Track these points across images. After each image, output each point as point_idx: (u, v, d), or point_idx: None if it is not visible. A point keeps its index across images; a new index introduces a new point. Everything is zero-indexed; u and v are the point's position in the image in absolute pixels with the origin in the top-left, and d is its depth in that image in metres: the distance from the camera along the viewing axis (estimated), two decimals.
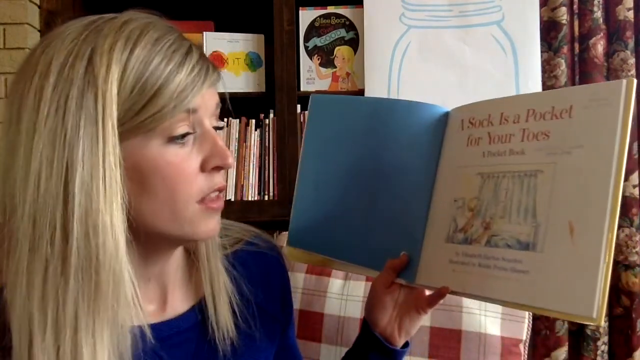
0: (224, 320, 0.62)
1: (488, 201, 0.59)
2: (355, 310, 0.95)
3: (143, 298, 0.57)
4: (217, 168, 0.54)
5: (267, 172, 1.62)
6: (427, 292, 0.68)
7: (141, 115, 0.47)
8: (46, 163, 0.45)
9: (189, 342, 0.62)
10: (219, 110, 0.57)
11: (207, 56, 0.56)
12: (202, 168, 0.53)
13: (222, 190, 0.55)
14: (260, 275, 0.70)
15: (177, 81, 0.48)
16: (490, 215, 0.58)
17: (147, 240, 0.52)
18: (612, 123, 0.50)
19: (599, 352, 1.61)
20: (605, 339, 1.62)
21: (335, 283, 0.99)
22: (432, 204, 0.64)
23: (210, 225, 0.55)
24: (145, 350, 0.55)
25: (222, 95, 0.58)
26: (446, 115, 0.66)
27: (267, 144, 1.62)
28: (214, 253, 0.63)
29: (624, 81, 0.51)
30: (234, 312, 0.63)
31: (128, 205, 0.48)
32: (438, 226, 0.63)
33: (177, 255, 0.63)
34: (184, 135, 0.51)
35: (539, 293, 0.52)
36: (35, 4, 1.63)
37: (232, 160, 0.53)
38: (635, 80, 0.51)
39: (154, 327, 0.58)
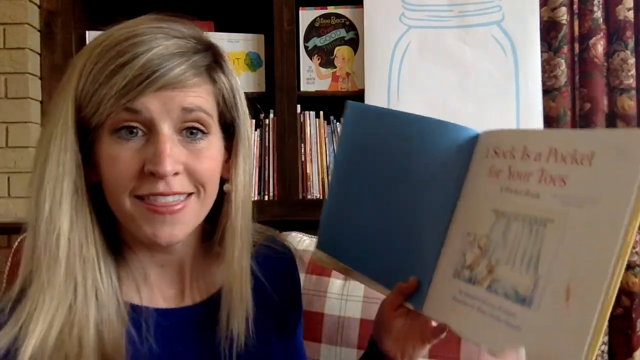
0: (238, 316, 0.62)
1: (497, 242, 0.57)
2: (355, 310, 0.95)
3: (161, 282, 0.63)
4: (154, 174, 0.53)
5: (267, 172, 1.62)
6: (433, 323, 0.65)
7: (90, 108, 0.53)
8: (37, 146, 0.55)
9: (198, 332, 0.63)
10: (196, 114, 0.56)
11: None
12: (143, 170, 0.53)
13: (167, 195, 0.54)
14: (274, 275, 0.70)
15: (118, 77, 0.52)
16: (496, 258, 0.56)
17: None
18: (630, 182, 0.46)
19: (599, 352, 1.61)
20: (605, 339, 1.62)
21: (335, 283, 0.99)
22: (448, 232, 0.62)
23: (155, 230, 0.54)
24: (156, 334, 0.58)
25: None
26: (476, 138, 0.62)
27: (267, 144, 1.62)
28: (240, 249, 0.62)
29: None
30: (248, 309, 0.64)
31: (96, 181, 0.56)
32: (450, 257, 0.61)
33: (189, 247, 0.64)
34: (128, 130, 0.54)
35: (527, 351, 0.50)
36: (35, 4, 1.63)
37: (168, 168, 0.52)
38: None
39: (166, 312, 0.61)
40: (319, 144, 1.64)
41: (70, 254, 0.53)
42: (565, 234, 0.50)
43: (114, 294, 0.56)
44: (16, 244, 0.98)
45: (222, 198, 0.62)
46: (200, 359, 0.63)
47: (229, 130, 0.63)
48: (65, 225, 0.53)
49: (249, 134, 0.64)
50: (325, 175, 1.64)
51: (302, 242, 0.99)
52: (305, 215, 1.50)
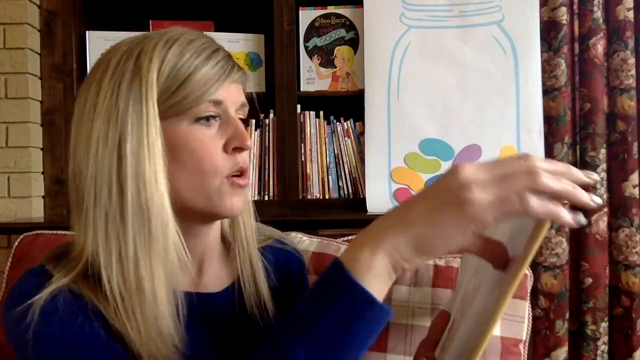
0: (264, 299, 0.68)
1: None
2: None
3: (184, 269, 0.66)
4: (238, 149, 0.61)
5: (267, 172, 1.62)
6: None
7: (173, 98, 0.58)
8: (103, 135, 0.57)
9: (220, 319, 0.66)
10: (245, 109, 0.65)
11: None
12: (225, 149, 0.61)
13: (244, 171, 0.62)
14: (282, 270, 0.75)
15: (203, 72, 0.58)
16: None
17: (180, 214, 0.60)
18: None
19: (599, 352, 1.61)
20: (605, 339, 1.62)
21: None
22: None
23: (234, 201, 0.61)
24: (181, 315, 0.60)
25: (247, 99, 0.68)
26: None
27: (267, 144, 1.62)
28: (252, 239, 0.70)
29: None
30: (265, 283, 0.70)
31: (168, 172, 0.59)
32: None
33: (213, 238, 0.69)
34: (208, 118, 0.60)
35: None
36: (35, 4, 1.63)
37: (250, 142, 0.61)
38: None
39: (188, 295, 0.63)
40: (319, 144, 1.64)
41: (174, 228, 0.58)
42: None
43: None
44: (16, 243, 0.98)
45: None
46: (229, 342, 0.66)
47: None
48: (167, 204, 0.57)
49: None
50: (325, 175, 1.64)
51: (302, 242, 0.99)
52: (305, 215, 1.50)
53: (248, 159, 0.64)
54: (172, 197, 0.58)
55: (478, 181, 0.41)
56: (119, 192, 0.56)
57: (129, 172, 0.55)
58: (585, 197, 0.41)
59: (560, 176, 0.41)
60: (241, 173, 0.62)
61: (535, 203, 0.39)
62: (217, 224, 0.68)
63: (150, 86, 0.57)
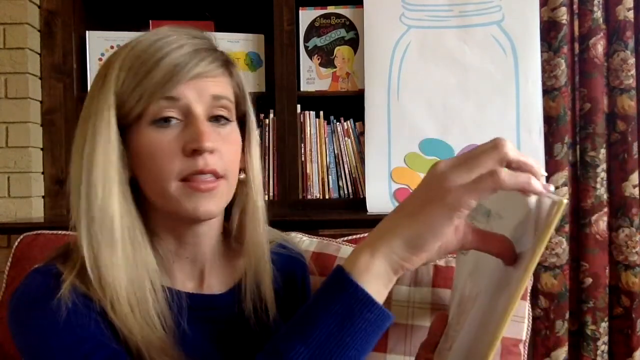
0: (266, 302, 0.67)
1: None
2: None
3: (181, 274, 0.66)
4: (197, 151, 0.58)
5: (267, 172, 1.62)
6: None
7: (131, 102, 0.58)
8: (76, 141, 0.60)
9: (220, 319, 0.66)
10: (222, 101, 0.62)
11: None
12: (184, 151, 0.58)
13: (206, 173, 0.59)
14: (286, 273, 0.74)
15: (157, 71, 0.57)
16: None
17: (160, 217, 0.62)
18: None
19: (599, 352, 1.61)
20: (605, 339, 1.62)
21: None
22: None
23: (196, 205, 0.59)
24: (181, 315, 0.61)
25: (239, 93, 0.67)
26: None
27: (267, 144, 1.62)
28: (262, 243, 0.69)
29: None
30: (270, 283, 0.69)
31: (131, 174, 0.60)
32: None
33: (212, 240, 0.68)
34: (165, 119, 0.58)
35: None
36: (35, 4, 1.63)
37: (209, 143, 0.58)
38: (565, 202, 0.40)
39: (190, 296, 0.64)
40: (319, 144, 1.64)
41: (124, 236, 0.58)
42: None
43: (157, 275, 0.61)
44: (16, 243, 0.98)
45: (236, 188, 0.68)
46: (229, 342, 0.66)
47: (242, 122, 0.69)
48: (116, 210, 0.57)
49: (255, 124, 0.72)
50: (325, 175, 1.64)
51: (302, 242, 0.99)
52: (305, 215, 1.50)
53: (219, 160, 0.60)
54: (146, 200, 0.61)
55: (452, 170, 0.43)
56: (77, 196, 0.58)
57: (83, 177, 0.57)
58: (543, 179, 0.44)
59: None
60: (214, 175, 0.59)
61: (505, 176, 0.41)
62: (214, 224, 0.66)
63: (109, 91, 0.58)
